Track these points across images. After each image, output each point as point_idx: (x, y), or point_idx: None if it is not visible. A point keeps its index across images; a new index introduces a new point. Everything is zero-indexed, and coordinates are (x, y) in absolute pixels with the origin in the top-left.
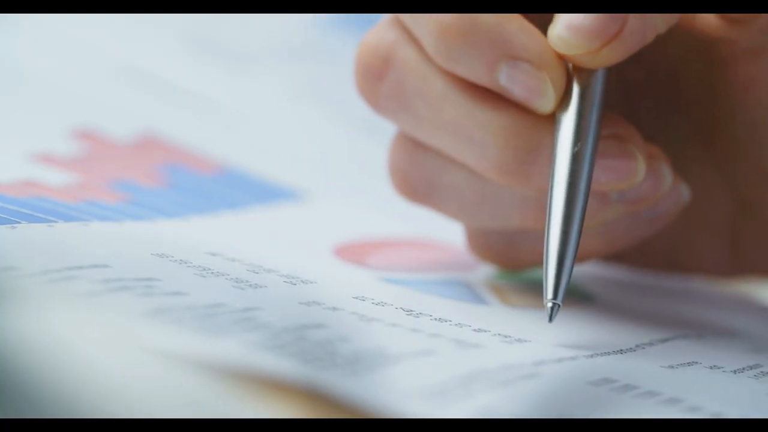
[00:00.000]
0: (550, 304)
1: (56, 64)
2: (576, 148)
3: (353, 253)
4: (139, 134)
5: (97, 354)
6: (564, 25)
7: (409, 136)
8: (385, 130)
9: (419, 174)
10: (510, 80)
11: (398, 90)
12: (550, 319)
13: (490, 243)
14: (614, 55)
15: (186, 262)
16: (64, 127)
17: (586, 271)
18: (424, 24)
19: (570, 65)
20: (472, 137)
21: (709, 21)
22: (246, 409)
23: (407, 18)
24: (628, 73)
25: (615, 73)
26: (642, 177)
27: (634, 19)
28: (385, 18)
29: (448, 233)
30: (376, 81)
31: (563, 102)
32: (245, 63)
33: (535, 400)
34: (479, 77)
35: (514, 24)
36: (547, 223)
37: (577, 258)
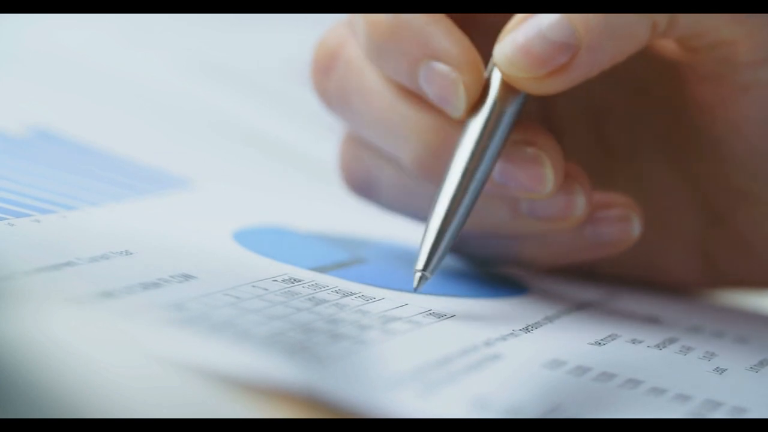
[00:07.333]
0: (418, 274)
1: None
2: (475, 150)
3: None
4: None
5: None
6: (513, 44)
7: (353, 133)
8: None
9: (361, 169)
10: (426, 81)
11: (341, 85)
12: (416, 288)
13: None
14: (557, 85)
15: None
16: None
17: (585, 274)
18: (360, 22)
19: (488, 73)
20: (398, 132)
21: (670, 47)
22: (232, 407)
23: (353, 16)
24: (595, 92)
25: (582, 90)
26: (550, 187)
27: (584, 53)
28: (342, 17)
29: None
30: (325, 76)
31: (475, 109)
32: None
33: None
34: (402, 76)
35: (439, 26)
36: (433, 203)
37: (521, 264)
